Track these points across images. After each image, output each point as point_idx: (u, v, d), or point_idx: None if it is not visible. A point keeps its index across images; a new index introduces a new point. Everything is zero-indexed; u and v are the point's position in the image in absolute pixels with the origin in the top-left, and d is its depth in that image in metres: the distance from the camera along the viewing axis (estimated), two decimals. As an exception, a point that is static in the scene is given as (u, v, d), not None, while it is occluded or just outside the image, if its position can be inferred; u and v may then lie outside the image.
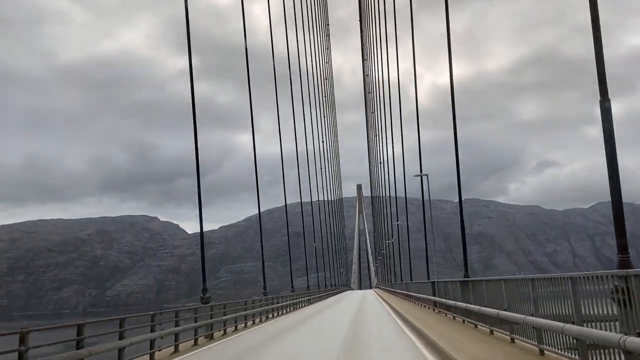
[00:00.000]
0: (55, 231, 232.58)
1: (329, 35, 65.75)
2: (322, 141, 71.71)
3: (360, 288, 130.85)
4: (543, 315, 9.35)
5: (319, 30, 61.14)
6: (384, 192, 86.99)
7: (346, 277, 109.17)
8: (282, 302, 35.17)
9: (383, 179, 78.09)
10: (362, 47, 72.22)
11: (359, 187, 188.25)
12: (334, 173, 79.76)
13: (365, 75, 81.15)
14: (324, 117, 69.86)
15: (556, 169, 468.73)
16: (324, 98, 68.10)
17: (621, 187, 10.63)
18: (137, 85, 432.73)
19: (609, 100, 10.38)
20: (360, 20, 67.18)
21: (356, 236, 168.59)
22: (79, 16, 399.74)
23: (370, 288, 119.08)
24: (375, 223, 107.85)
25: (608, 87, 10.09)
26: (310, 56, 62.66)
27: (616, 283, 6.70)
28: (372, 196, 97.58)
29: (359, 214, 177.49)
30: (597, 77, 10.62)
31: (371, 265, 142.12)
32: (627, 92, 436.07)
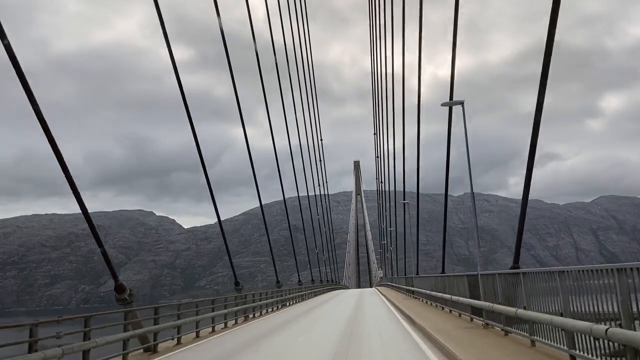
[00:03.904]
0: (49, 226, 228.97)
1: (308, 24, 61.34)
2: (312, 133, 66.90)
3: (358, 286, 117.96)
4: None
5: (301, 18, 56.38)
6: (380, 186, 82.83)
7: (335, 274, 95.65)
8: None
9: (383, 171, 73.60)
10: (370, 38, 67.70)
11: (357, 164, 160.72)
12: (322, 165, 73.95)
13: (372, 67, 76.47)
14: (313, 107, 65.13)
15: (558, 162, 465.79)
16: (312, 89, 63.49)
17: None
18: (132, 77, 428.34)
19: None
20: (370, 8, 62.49)
21: (352, 219, 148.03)
22: (72, 5, 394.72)
23: (371, 286, 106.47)
24: (380, 216, 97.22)
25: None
26: (297, 45, 57.70)
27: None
28: (377, 190, 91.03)
29: (356, 195, 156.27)
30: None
31: (371, 257, 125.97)
32: (631, 84, 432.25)
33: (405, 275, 50.21)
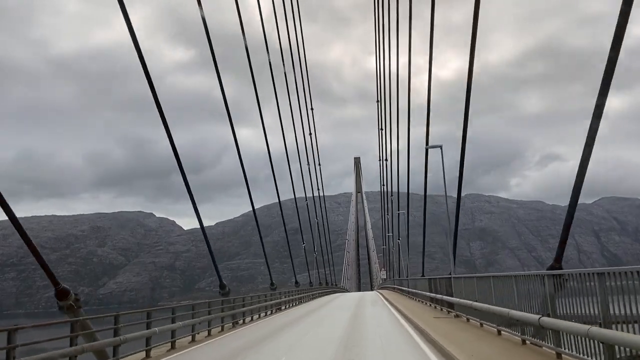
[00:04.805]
0: (49, 228, 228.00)
1: (301, 25, 59.66)
2: (308, 135, 64.65)
3: (359, 289, 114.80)
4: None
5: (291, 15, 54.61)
6: (383, 187, 79.36)
7: (333, 276, 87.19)
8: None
9: (385, 172, 71.17)
10: (376, 37, 65.96)
11: (357, 161, 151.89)
12: (316, 165, 69.77)
13: (377, 67, 73.27)
14: (306, 108, 62.94)
15: (560, 163, 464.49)
16: (303, 90, 61.41)
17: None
18: (132, 78, 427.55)
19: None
20: (375, 7, 60.53)
21: (352, 217, 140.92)
22: (72, 5, 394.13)
23: (372, 288, 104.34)
24: (383, 199, 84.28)
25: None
26: (292, 47, 55.93)
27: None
28: (381, 191, 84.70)
29: (357, 193, 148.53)
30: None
31: (372, 257, 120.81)
32: (633, 85, 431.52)
33: (425, 275, 35.31)
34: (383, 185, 75.92)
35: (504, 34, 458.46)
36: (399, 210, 55.95)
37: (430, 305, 26.51)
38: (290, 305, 37.29)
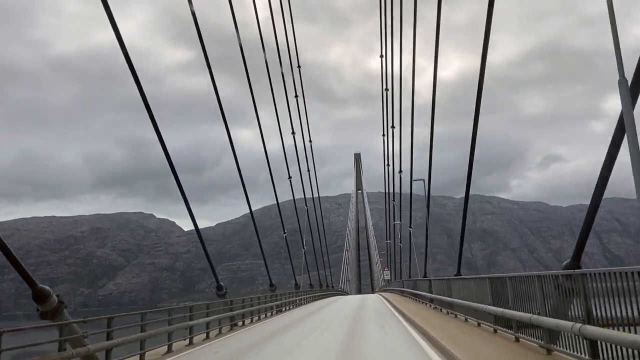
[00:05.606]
0: (48, 229, 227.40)
1: (293, 25, 58.36)
2: (302, 134, 63.04)
3: (359, 291, 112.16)
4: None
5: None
6: (386, 188, 77.71)
7: (330, 277, 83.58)
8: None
9: (386, 172, 69.72)
10: (380, 37, 64.72)
11: (357, 157, 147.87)
12: (305, 143, 67.27)
13: (382, 67, 70.69)
14: (297, 107, 61.27)
15: (561, 164, 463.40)
16: (294, 89, 59.78)
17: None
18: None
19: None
20: (380, 7, 59.18)
21: (351, 214, 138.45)
22: (72, 6, 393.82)
23: (373, 290, 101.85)
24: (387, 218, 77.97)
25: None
26: (287, 47, 54.44)
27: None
28: (386, 192, 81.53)
29: (357, 191, 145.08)
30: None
31: (373, 256, 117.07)
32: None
33: (460, 274, 24.19)
34: (388, 165, 67.49)
35: (506, 34, 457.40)
36: (412, 179, 40.24)
37: (491, 328, 14.12)
38: (251, 320, 26.27)
